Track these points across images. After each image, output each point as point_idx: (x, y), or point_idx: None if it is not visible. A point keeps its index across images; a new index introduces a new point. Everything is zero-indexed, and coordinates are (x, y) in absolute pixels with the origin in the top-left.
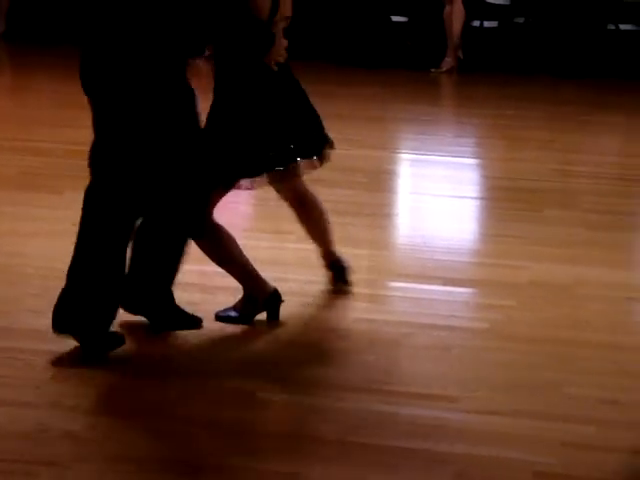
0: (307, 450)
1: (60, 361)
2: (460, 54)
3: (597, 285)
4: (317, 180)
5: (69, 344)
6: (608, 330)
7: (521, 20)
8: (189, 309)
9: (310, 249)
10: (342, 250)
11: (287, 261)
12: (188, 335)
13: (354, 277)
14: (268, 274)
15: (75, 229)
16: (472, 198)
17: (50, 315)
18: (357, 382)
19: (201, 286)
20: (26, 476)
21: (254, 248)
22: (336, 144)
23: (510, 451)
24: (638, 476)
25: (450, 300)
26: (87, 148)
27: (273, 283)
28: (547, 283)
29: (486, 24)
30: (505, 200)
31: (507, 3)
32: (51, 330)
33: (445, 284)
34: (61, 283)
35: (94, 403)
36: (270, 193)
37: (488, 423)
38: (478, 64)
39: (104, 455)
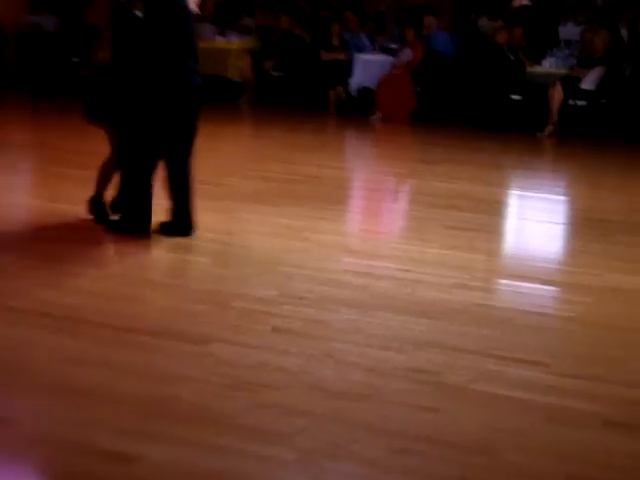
0: (440, 392)
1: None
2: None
3: None
4: (452, 206)
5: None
6: None
7: (604, 101)
8: (357, 291)
9: (445, 254)
10: (465, 255)
11: (427, 261)
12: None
13: (475, 276)
14: (412, 269)
15: (287, 232)
16: (562, 224)
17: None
18: (476, 347)
19: (369, 274)
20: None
21: (402, 250)
22: (468, 183)
23: (587, 404)
24: None
25: (544, 295)
26: (299, 178)
27: (414, 277)
28: (616, 287)
29: (578, 103)
30: (587, 226)
31: (594, 89)
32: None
33: (542, 284)
34: (278, 267)
35: None
36: (419, 212)
37: (572, 383)
38: (571, 131)
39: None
